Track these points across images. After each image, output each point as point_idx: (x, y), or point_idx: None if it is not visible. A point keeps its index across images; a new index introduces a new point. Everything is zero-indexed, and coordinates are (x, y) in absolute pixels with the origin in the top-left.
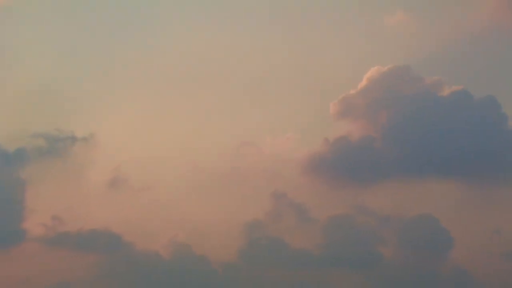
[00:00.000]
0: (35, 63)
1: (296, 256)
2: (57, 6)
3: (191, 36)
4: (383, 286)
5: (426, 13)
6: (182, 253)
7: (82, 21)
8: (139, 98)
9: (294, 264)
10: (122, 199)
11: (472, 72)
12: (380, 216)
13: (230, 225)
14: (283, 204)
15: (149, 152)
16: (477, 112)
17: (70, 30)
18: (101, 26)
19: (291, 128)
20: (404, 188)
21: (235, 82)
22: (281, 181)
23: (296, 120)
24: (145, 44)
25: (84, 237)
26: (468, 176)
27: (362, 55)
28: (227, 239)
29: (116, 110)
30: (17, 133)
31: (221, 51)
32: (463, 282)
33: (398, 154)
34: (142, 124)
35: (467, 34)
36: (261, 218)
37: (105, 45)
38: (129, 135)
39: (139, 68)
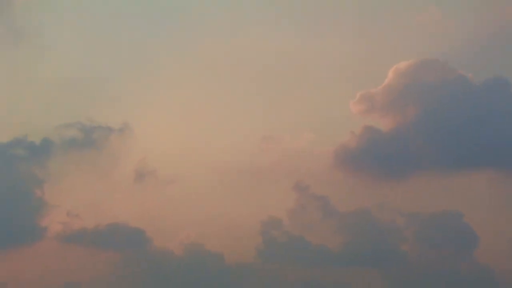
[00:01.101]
0: (67, 52)
1: (316, 254)
2: None
3: (224, 33)
4: (405, 284)
5: (456, 8)
6: (199, 251)
7: (119, 10)
8: (171, 91)
9: (313, 262)
10: (146, 192)
11: (503, 65)
12: (403, 212)
13: (250, 221)
14: (305, 200)
15: (177, 144)
16: (506, 105)
17: (105, 19)
18: (136, 15)
19: (315, 123)
20: (430, 183)
21: (261, 79)
22: (304, 176)
23: (321, 115)
24: (180, 38)
25: (103, 233)
26: (498, 171)
27: (387, 50)
28: (246, 236)
29: (147, 101)
30: (45, 124)
31: (251, 49)
32: (488, 281)
33: (425, 148)
34: (172, 116)
35: (497, 28)
36: (282, 214)
37: (140, 35)
38: (159, 127)
39: (173, 62)
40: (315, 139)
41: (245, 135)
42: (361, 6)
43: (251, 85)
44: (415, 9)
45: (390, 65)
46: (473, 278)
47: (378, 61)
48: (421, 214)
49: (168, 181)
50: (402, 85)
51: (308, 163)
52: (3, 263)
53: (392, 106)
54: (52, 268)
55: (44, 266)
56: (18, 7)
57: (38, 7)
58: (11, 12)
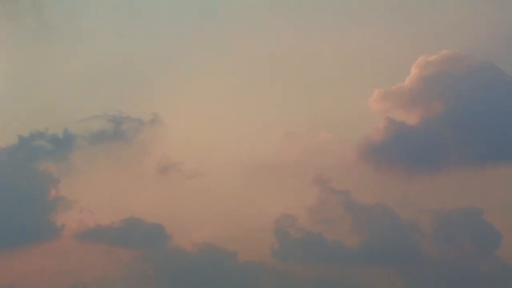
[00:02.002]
0: (97, 44)
1: (333, 252)
2: None
3: (254, 35)
4: (424, 284)
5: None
6: (214, 249)
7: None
8: (200, 86)
9: (330, 260)
10: (169, 187)
11: None
12: (425, 208)
13: (269, 218)
14: (325, 196)
15: (203, 138)
16: None
17: (137, 11)
18: (171, 8)
19: (337, 118)
20: (454, 179)
21: (283, 76)
22: (325, 173)
23: (342, 111)
24: (213, 35)
25: (122, 230)
26: None
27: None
28: (264, 232)
29: (177, 95)
30: (71, 116)
31: (276, 47)
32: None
33: (449, 143)
34: (200, 111)
35: None
36: (301, 211)
37: (173, 29)
38: (186, 121)
39: (203, 57)
40: (336, 135)
41: (267, 131)
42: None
43: (275, 82)
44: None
45: (412, 60)
46: (495, 277)
47: (399, 56)
48: (442, 211)
49: (190, 175)
50: (426, 79)
51: (330, 159)
52: (20, 260)
53: (417, 100)
54: (68, 266)
55: (60, 264)
56: None
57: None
58: (41, 4)
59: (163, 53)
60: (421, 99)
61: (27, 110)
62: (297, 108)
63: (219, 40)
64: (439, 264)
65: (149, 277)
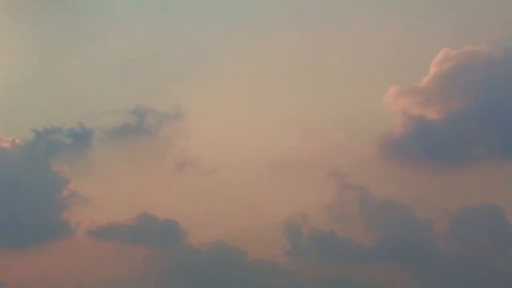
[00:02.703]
0: (121, 36)
1: (346, 250)
2: None
3: (274, 35)
4: (440, 283)
5: None
6: (225, 247)
7: None
8: (223, 81)
9: (344, 258)
10: (186, 182)
11: None
12: (443, 206)
13: (286, 214)
14: (341, 193)
15: (223, 134)
16: None
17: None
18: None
19: (355, 114)
20: (471, 177)
21: (302, 73)
22: (342, 170)
23: (361, 106)
24: (239, 32)
25: (137, 227)
26: None
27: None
28: (279, 231)
29: (200, 89)
30: (89, 110)
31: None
32: None
33: (468, 140)
34: (222, 106)
35: None
36: (315, 208)
37: (199, 24)
38: (207, 116)
39: (227, 54)
40: (353, 132)
41: (284, 128)
42: None
43: (293, 80)
44: None
45: (431, 55)
46: None
47: (419, 51)
48: (459, 208)
49: (209, 171)
50: (446, 75)
51: (346, 157)
52: (34, 259)
53: (435, 96)
54: (83, 264)
55: (75, 262)
56: None
57: None
58: None
59: (187, 49)
60: (440, 95)
61: (47, 103)
62: (314, 106)
63: (241, 38)
64: (455, 262)
65: (163, 275)
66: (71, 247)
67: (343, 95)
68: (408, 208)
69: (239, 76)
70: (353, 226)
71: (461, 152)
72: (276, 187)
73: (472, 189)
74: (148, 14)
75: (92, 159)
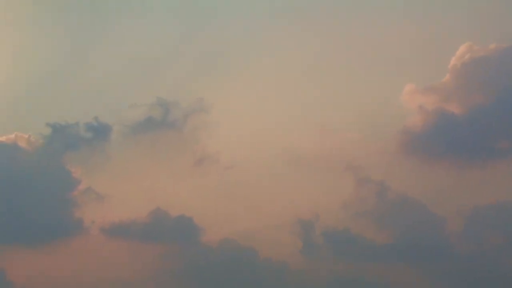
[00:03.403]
0: (142, 29)
1: (360, 248)
2: None
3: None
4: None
5: None
6: (234, 245)
7: None
8: (246, 77)
9: (358, 257)
10: (205, 178)
11: None
12: (460, 204)
13: (299, 213)
14: (358, 191)
15: (246, 128)
16: None
17: None
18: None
19: (375, 109)
20: (491, 174)
21: (322, 70)
22: (360, 166)
23: (381, 102)
24: (261, 31)
25: (153, 225)
26: None
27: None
28: (294, 229)
29: (223, 84)
30: (107, 105)
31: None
32: None
33: (487, 137)
34: (244, 100)
35: None
36: (334, 206)
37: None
38: (229, 111)
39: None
40: (372, 128)
41: (303, 125)
42: None
43: (313, 77)
44: None
45: (452, 50)
46: None
47: (439, 46)
48: (475, 206)
49: (227, 166)
50: (469, 69)
51: (363, 153)
52: (48, 257)
53: (458, 91)
54: (97, 261)
55: (90, 260)
56: None
57: None
58: None
59: (214, 44)
60: (459, 91)
61: (65, 98)
62: (333, 103)
63: (265, 35)
64: (470, 261)
65: (178, 273)
66: (84, 246)
67: (361, 92)
68: (425, 205)
69: (262, 72)
70: (368, 224)
71: (481, 148)
72: (293, 184)
73: (492, 186)
74: (172, 6)
75: (109, 154)
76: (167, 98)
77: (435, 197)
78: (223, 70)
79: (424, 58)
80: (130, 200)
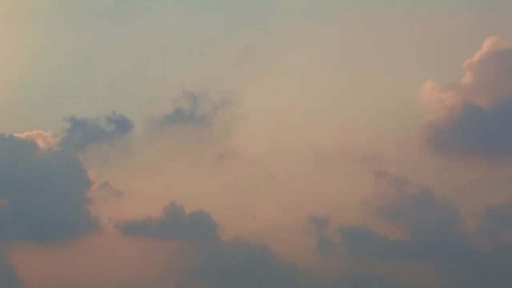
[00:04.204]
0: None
1: (378, 246)
2: None
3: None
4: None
5: None
6: (256, 244)
7: None
8: (274, 74)
9: (374, 254)
10: (228, 173)
11: None
12: (484, 201)
13: (319, 209)
14: (380, 189)
15: (273, 124)
16: None
17: None
18: None
19: (398, 104)
20: None
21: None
22: (382, 163)
23: (401, 96)
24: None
25: (168, 222)
26: None
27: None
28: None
29: (253, 77)
30: (129, 99)
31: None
32: None
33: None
34: (272, 95)
35: None
36: (355, 203)
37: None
38: (257, 105)
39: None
40: (395, 125)
41: (327, 121)
42: None
43: (337, 74)
44: None
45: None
46: None
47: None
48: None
49: (251, 161)
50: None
51: (386, 149)
52: (61, 255)
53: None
54: (115, 258)
55: (109, 256)
56: None
57: None
58: None
59: (244, 38)
60: (482, 86)
61: (86, 93)
62: (356, 100)
63: (296, 34)
64: (490, 260)
65: (195, 269)
66: (99, 244)
67: (383, 90)
68: (449, 201)
69: (290, 68)
70: (387, 221)
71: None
72: (314, 180)
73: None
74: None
75: (130, 149)
76: (194, 91)
77: (459, 193)
78: (253, 64)
79: (446, 54)
80: (147, 197)
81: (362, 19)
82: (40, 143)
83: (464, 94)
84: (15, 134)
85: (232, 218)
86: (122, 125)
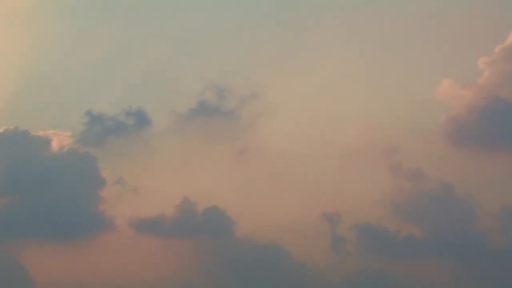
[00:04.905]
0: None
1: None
2: None
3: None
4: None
5: None
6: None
7: None
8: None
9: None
10: (249, 169)
11: None
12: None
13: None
14: (399, 187)
15: (297, 119)
16: None
17: None
18: None
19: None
20: None
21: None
22: (402, 159)
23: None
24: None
25: (182, 219)
26: None
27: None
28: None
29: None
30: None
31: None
32: None
33: None
34: (296, 90)
35: None
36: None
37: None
38: (282, 98)
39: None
40: (416, 121)
41: (348, 118)
42: None
43: (359, 71)
44: None
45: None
46: None
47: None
48: None
49: (272, 157)
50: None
51: (407, 145)
52: (76, 254)
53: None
54: (130, 256)
55: (116, 258)
56: None
57: None
58: None
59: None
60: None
61: (103, 88)
62: (377, 98)
63: (323, 29)
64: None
65: (209, 267)
66: (113, 242)
67: (404, 88)
68: (470, 198)
69: (313, 64)
70: (406, 219)
71: None
72: (334, 178)
73: None
74: None
75: (150, 144)
76: (218, 84)
77: (482, 190)
78: (279, 59)
79: (465, 50)
80: (163, 193)
81: (383, 18)
82: (55, 139)
83: (486, 90)
84: (30, 129)
85: (248, 215)
86: (141, 119)
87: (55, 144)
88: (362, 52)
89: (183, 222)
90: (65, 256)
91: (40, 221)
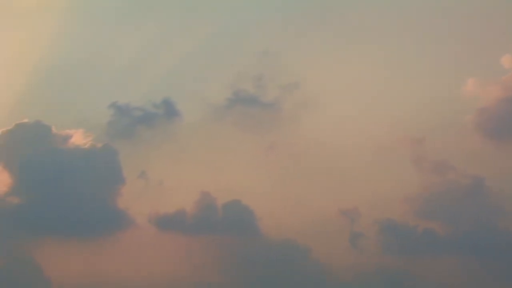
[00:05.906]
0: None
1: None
2: None
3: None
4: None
5: None
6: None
7: None
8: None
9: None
10: (279, 164)
11: None
12: None
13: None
14: (426, 185)
15: (332, 115)
16: None
17: None
18: None
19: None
20: None
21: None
22: (426, 156)
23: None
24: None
25: (201, 216)
26: None
27: None
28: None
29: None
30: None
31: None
32: None
33: None
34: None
35: None
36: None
37: None
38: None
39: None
40: (442, 118)
41: (379, 115)
42: None
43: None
44: None
45: None
46: None
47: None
48: None
49: (302, 152)
50: None
51: (432, 146)
52: (96, 251)
53: None
54: (151, 253)
55: (136, 257)
56: None
57: None
58: None
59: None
60: None
61: (128, 79)
62: (403, 95)
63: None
64: None
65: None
66: (135, 239)
67: (431, 86)
68: (500, 192)
69: (348, 59)
70: (433, 216)
71: None
72: (363, 174)
73: None
74: None
75: (178, 138)
76: (249, 73)
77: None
78: (316, 52)
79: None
80: (185, 187)
81: (412, 17)
82: (76, 133)
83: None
84: (51, 123)
85: (273, 211)
86: (169, 110)
87: (75, 139)
88: (397, 49)
89: (204, 218)
90: (82, 254)
91: (58, 218)
